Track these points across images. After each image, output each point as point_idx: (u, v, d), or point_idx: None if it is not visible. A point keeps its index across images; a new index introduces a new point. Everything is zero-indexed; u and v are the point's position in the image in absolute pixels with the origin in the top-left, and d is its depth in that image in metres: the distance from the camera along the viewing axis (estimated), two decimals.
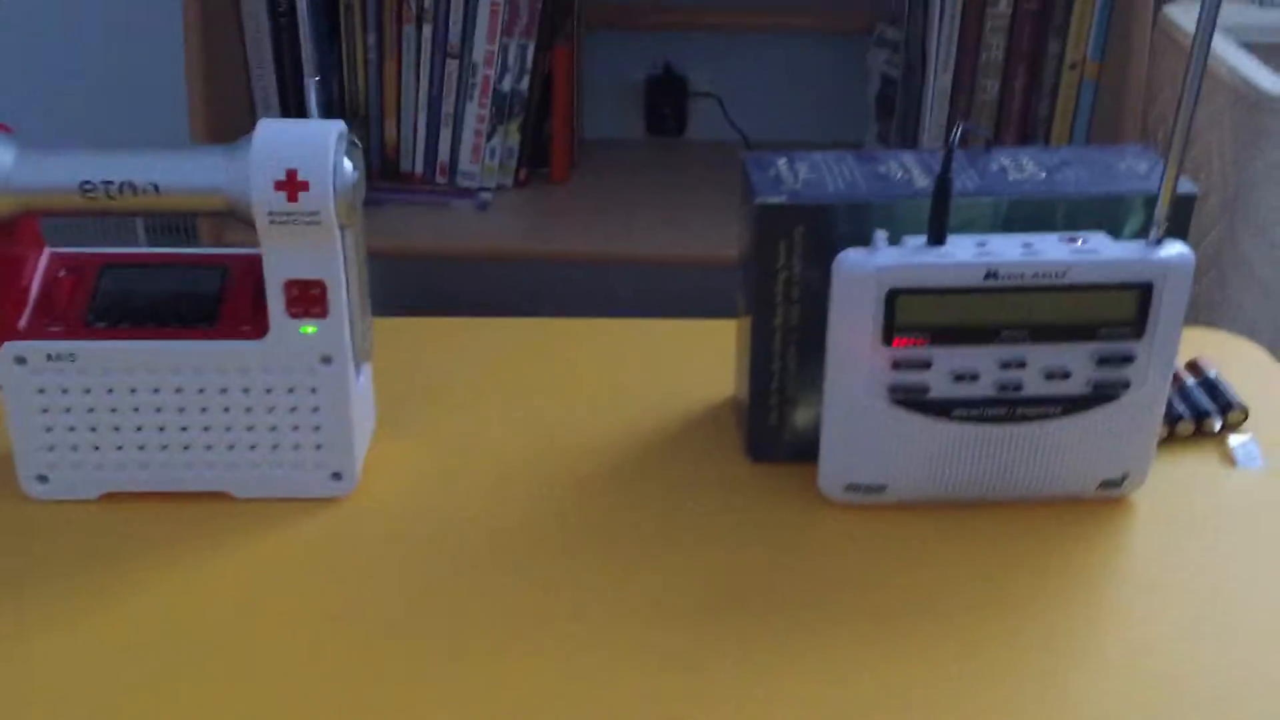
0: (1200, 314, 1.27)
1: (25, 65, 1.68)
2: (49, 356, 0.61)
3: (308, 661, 0.55)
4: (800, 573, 0.61)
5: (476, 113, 1.47)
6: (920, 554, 0.62)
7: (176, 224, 1.71)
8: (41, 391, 0.62)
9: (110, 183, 0.58)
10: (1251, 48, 1.29)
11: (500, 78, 1.46)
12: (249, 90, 1.49)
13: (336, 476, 0.65)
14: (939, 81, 1.43)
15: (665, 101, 1.66)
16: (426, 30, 1.44)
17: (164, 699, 0.53)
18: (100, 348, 0.61)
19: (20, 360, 0.61)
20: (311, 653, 0.56)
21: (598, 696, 0.54)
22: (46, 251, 0.63)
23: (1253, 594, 0.60)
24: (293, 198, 0.57)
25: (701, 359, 0.78)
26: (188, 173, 0.58)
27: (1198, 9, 0.54)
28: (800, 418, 0.68)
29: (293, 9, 1.46)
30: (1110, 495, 0.65)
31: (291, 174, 0.57)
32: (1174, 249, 0.59)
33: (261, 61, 1.47)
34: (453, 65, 1.46)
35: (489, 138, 1.48)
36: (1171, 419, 0.70)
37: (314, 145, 0.57)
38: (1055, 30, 1.40)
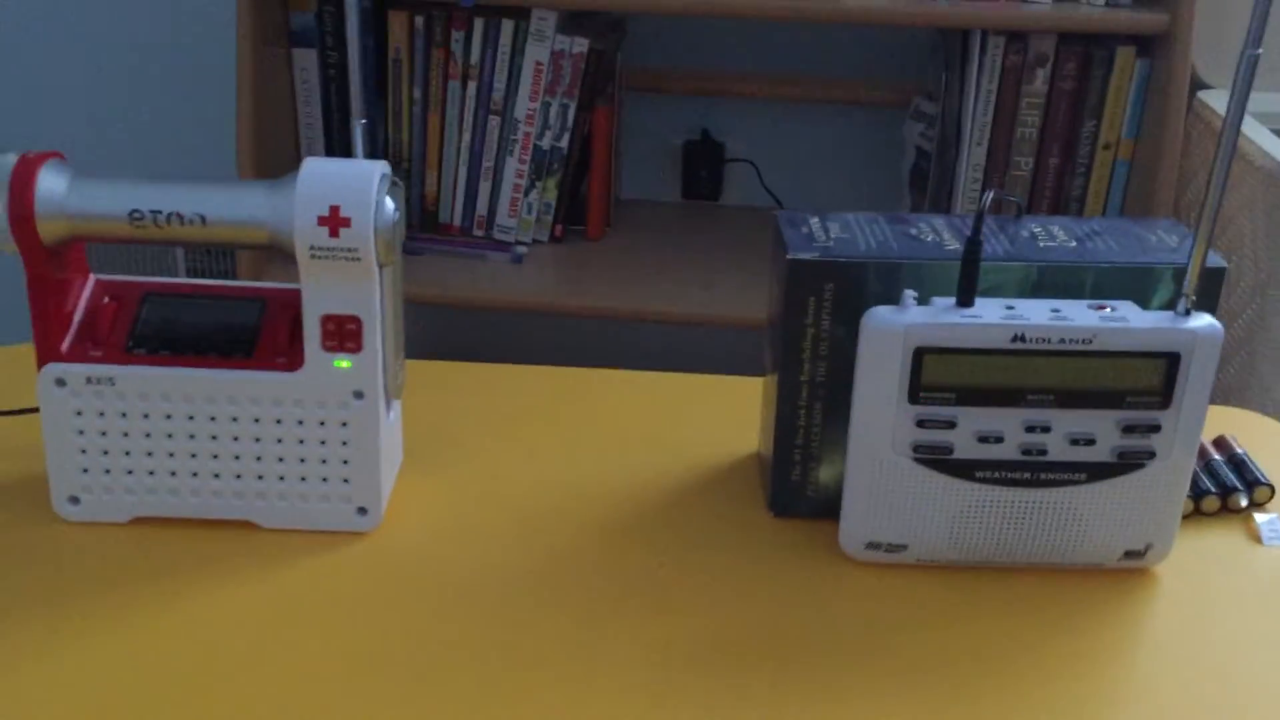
0: (1229, 396, 1.27)
1: (83, 97, 1.72)
2: (88, 380, 0.62)
3: (325, 691, 0.55)
4: (817, 628, 0.61)
5: (516, 168, 1.50)
6: (939, 616, 0.62)
7: (216, 259, 1.74)
8: (79, 414, 0.63)
9: (159, 212, 0.59)
10: None
11: (540, 135, 1.48)
12: (296, 137, 1.53)
13: (362, 511, 0.65)
14: (973, 156, 1.44)
15: (702, 165, 1.68)
16: (471, 87, 1.47)
17: None
18: (139, 373, 0.62)
19: (60, 382, 0.62)
20: (328, 682, 0.56)
21: None
22: (92, 278, 0.65)
23: (1274, 674, 0.59)
24: (334, 233, 0.59)
25: (727, 414, 0.79)
26: (233, 205, 0.60)
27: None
28: (823, 474, 0.68)
29: (343, 60, 1.50)
30: (1133, 566, 0.65)
31: (334, 210, 0.58)
32: (1202, 320, 0.60)
33: (310, 109, 1.51)
34: (495, 121, 1.48)
35: (527, 193, 1.51)
36: (1197, 494, 0.70)
37: (357, 183, 0.59)
38: (1090, 110, 1.42)
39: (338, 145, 1.53)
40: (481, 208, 1.52)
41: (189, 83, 1.70)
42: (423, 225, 1.54)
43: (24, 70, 1.72)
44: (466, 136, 1.50)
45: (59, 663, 0.56)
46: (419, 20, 1.45)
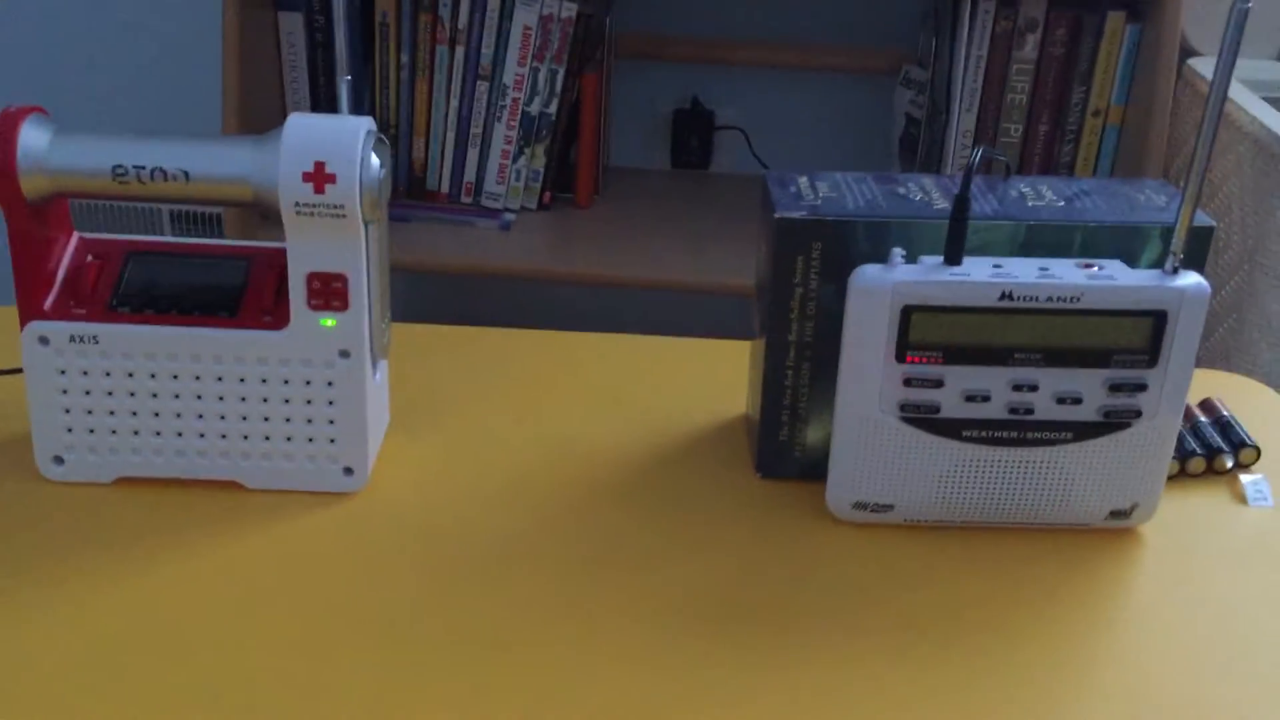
0: (1216, 361, 1.27)
1: (64, 53, 1.70)
2: (72, 338, 0.62)
3: (309, 651, 0.55)
4: (804, 588, 0.61)
5: (504, 134, 1.49)
6: (925, 575, 0.62)
7: (201, 219, 1.73)
8: (62, 373, 0.62)
9: (142, 168, 0.59)
10: (1273, 103, 1.30)
11: (529, 101, 1.47)
12: (282, 102, 1.52)
13: (348, 471, 0.65)
14: (962, 122, 1.44)
15: (691, 133, 1.68)
16: (459, 51, 1.46)
17: (165, 681, 0.53)
18: (123, 331, 0.62)
19: (43, 340, 0.62)
20: (313, 643, 0.56)
21: (598, 700, 0.54)
22: (75, 236, 0.64)
23: (1258, 632, 0.59)
24: (319, 189, 0.58)
25: (715, 377, 0.79)
26: (217, 161, 0.59)
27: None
28: (811, 435, 0.68)
29: (328, 25, 1.48)
30: (1119, 525, 0.65)
31: (319, 166, 0.58)
32: (1190, 279, 0.60)
33: (296, 74, 1.50)
34: (483, 87, 1.47)
35: (515, 160, 1.50)
36: (1183, 454, 0.70)
37: (343, 139, 0.58)
38: (1080, 76, 1.41)
39: (324, 109, 1.52)
40: (470, 174, 1.52)
41: (175, 48, 1.68)
42: (410, 192, 1.53)
43: (8, 28, 1.70)
44: (454, 102, 1.49)
45: (45, 623, 0.56)
46: None
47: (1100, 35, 1.39)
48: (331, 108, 1.51)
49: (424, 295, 1.76)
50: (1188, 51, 1.43)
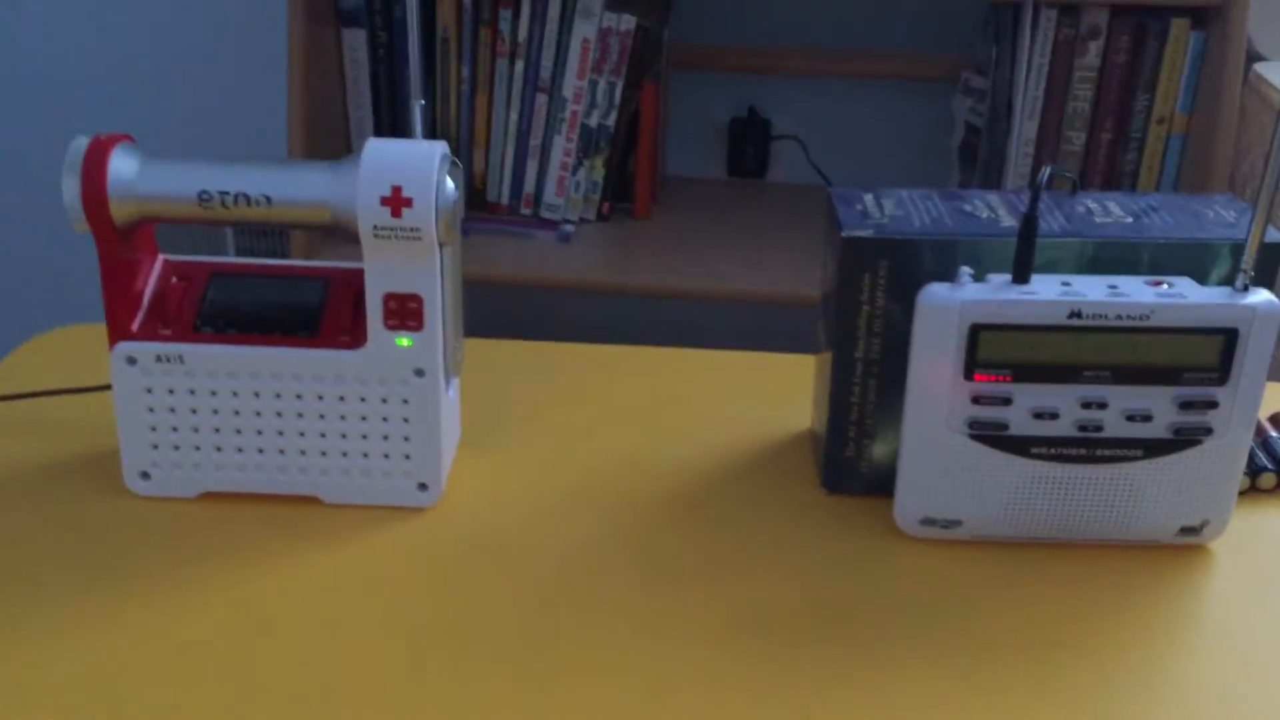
0: None
1: (135, 79, 1.75)
2: (158, 358, 0.64)
3: (388, 661, 0.57)
4: (872, 604, 0.61)
5: (563, 146, 1.50)
6: (994, 592, 0.62)
7: (266, 239, 1.76)
8: (149, 391, 0.64)
9: (226, 193, 0.61)
10: None
11: (588, 113, 1.49)
12: (345, 117, 1.54)
13: (423, 487, 0.67)
14: (1024, 131, 1.43)
15: (748, 142, 1.68)
16: (519, 65, 1.48)
17: (249, 693, 0.55)
18: (207, 351, 0.64)
19: (131, 360, 0.64)
20: (392, 653, 0.57)
21: (665, 715, 0.54)
22: (160, 258, 0.67)
23: None
24: (396, 213, 0.60)
25: (779, 391, 0.80)
26: (297, 186, 0.61)
27: None
28: (877, 451, 0.68)
29: (391, 39, 1.51)
30: (1189, 542, 0.65)
31: (396, 190, 0.59)
32: (1260, 296, 0.60)
33: (359, 89, 1.52)
34: (542, 99, 1.49)
35: (574, 171, 1.51)
36: (1254, 470, 0.70)
37: (419, 164, 0.60)
38: (1144, 84, 1.40)
39: (386, 124, 1.55)
40: (529, 186, 1.53)
41: (239, 63, 1.72)
42: (470, 204, 1.55)
43: (80, 52, 1.75)
44: (514, 115, 1.50)
45: (130, 635, 0.58)
46: None
47: (1164, 42, 1.38)
48: (394, 122, 1.54)
49: (484, 307, 1.78)
50: (1254, 57, 1.42)
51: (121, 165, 0.61)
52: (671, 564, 0.64)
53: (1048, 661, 0.58)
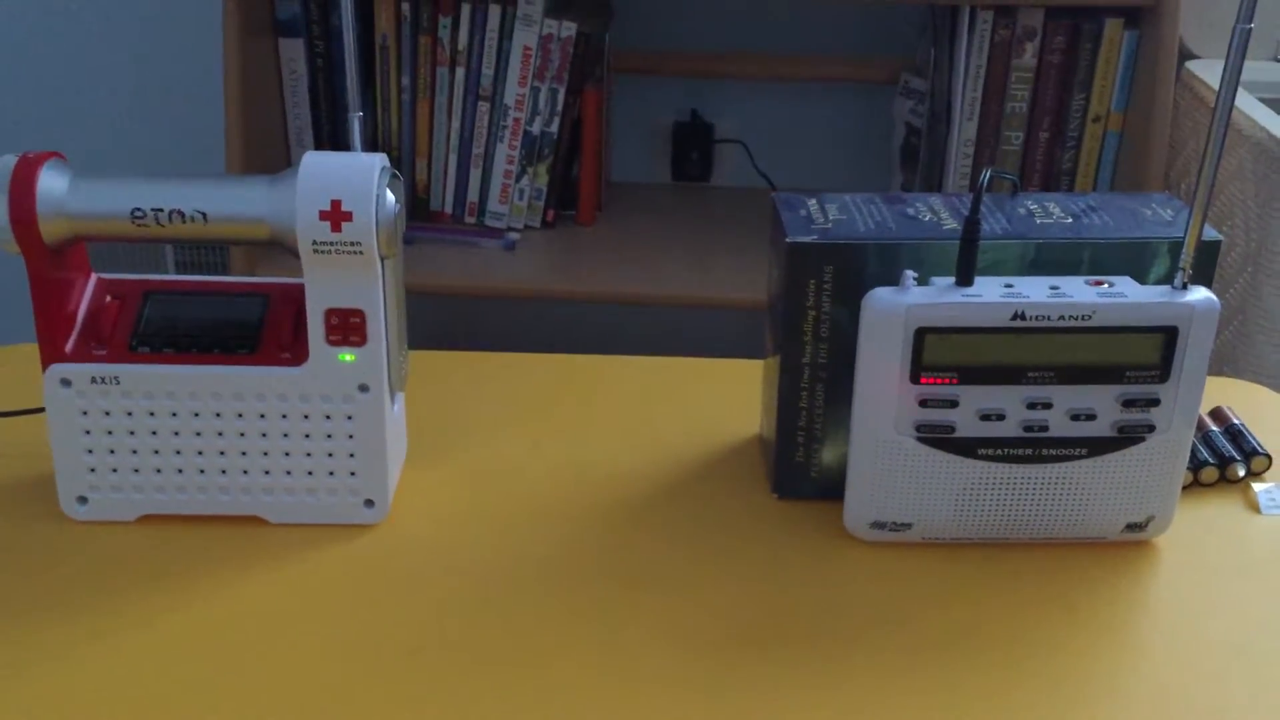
0: (1223, 365, 1.28)
1: (67, 93, 1.71)
2: (93, 379, 0.62)
3: (335, 684, 0.56)
4: (824, 608, 0.61)
5: (506, 154, 1.49)
6: (944, 593, 0.62)
7: (206, 254, 1.73)
8: (85, 414, 0.63)
9: (160, 210, 0.59)
10: (1272, 104, 1.30)
11: (530, 120, 1.48)
12: (284, 128, 1.52)
13: (369, 504, 0.66)
14: (963, 131, 1.44)
15: (692, 147, 1.68)
16: (460, 73, 1.47)
17: (192, 716, 0.54)
18: (144, 372, 0.62)
19: (65, 382, 0.62)
20: (339, 676, 0.56)
21: None
22: (94, 277, 0.65)
23: (1276, 639, 0.60)
24: (336, 227, 0.59)
25: (728, 397, 0.79)
26: (234, 201, 0.60)
27: (1221, 65, 0.55)
28: (826, 455, 0.68)
29: (330, 49, 1.49)
30: (1135, 538, 0.66)
31: (336, 204, 0.59)
32: (1199, 294, 0.60)
33: (298, 100, 1.50)
34: (484, 107, 1.48)
35: (518, 179, 1.51)
36: (1196, 465, 0.71)
37: (358, 177, 0.59)
38: (1079, 83, 1.42)
39: (326, 135, 1.53)
40: (473, 194, 1.52)
41: (174, 75, 1.69)
42: (414, 213, 1.54)
43: (4, 66, 1.71)
44: (456, 123, 1.49)
45: (71, 662, 0.57)
46: (405, 6, 1.44)
47: (1098, 42, 1.40)
48: (334, 133, 1.52)
49: (429, 317, 1.77)
50: (1185, 55, 1.44)
51: (51, 184, 0.59)
52: (623, 573, 0.63)
53: (998, 658, 0.58)
